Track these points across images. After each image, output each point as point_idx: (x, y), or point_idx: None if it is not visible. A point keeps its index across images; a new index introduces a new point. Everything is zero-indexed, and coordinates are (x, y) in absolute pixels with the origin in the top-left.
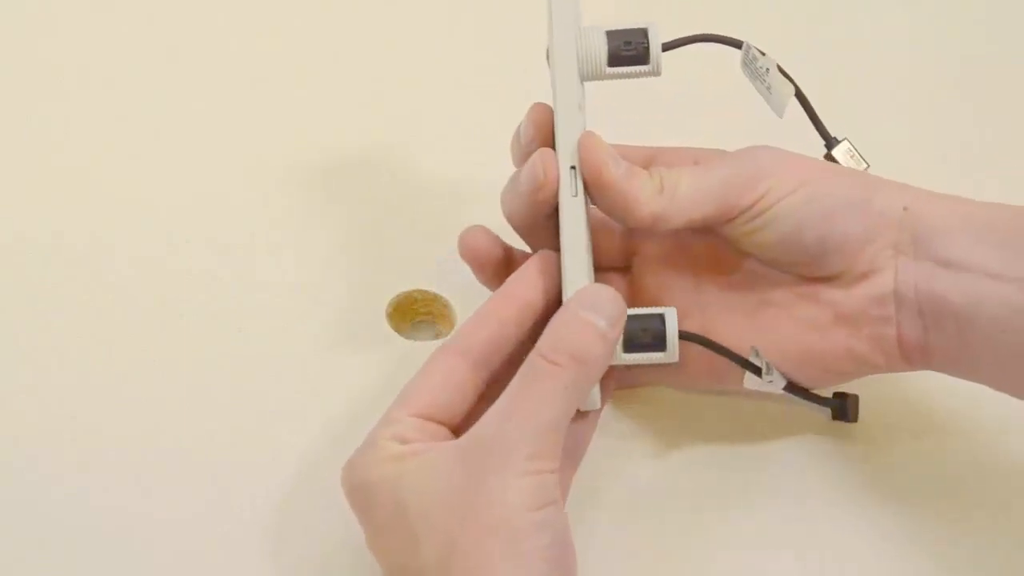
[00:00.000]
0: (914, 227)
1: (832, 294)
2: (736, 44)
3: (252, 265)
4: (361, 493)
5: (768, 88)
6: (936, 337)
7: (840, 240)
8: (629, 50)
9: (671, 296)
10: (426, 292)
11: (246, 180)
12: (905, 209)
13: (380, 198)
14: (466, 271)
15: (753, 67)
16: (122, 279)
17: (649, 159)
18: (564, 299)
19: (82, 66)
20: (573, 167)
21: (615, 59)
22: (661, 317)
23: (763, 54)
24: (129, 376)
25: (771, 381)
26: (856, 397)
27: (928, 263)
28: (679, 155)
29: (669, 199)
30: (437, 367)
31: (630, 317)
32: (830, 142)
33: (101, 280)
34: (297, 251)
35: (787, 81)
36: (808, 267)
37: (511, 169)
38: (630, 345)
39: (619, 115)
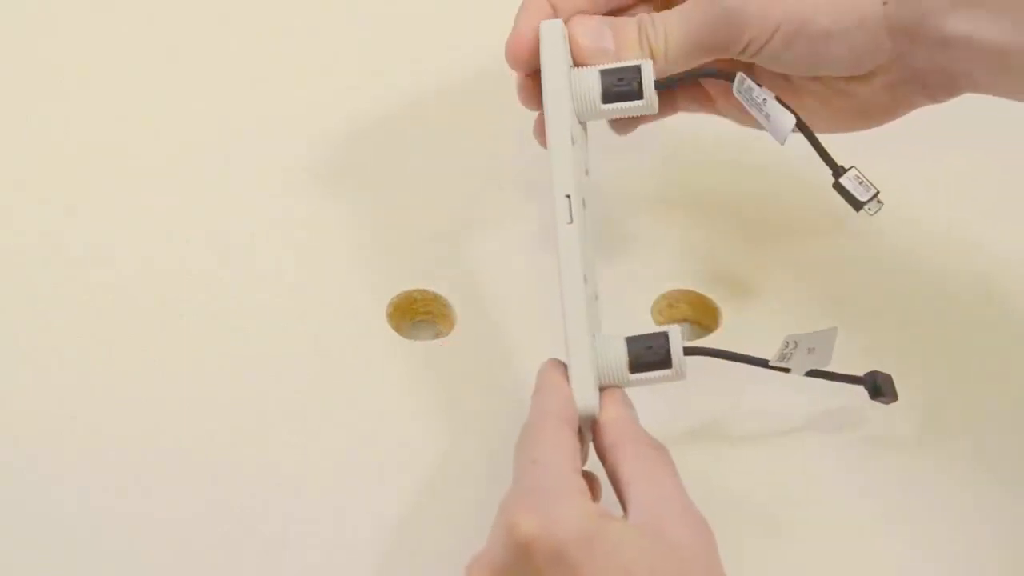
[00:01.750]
0: (901, 17)
1: (856, 88)
2: (729, 78)
3: (252, 265)
4: (578, 547)
5: (767, 117)
6: (961, 76)
7: (833, 64)
8: (622, 86)
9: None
10: (426, 292)
11: (246, 180)
12: (885, 3)
13: (380, 198)
14: (466, 271)
15: (749, 96)
16: (122, 279)
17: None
18: (564, 324)
19: (82, 66)
20: (568, 196)
21: (609, 96)
22: (665, 336)
23: (759, 86)
24: (129, 376)
25: (791, 369)
26: (889, 376)
27: (924, 46)
28: None
29: (662, 62)
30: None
31: (633, 339)
32: (837, 171)
33: (101, 280)
34: (297, 251)
35: (787, 112)
36: (820, 75)
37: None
38: (636, 366)
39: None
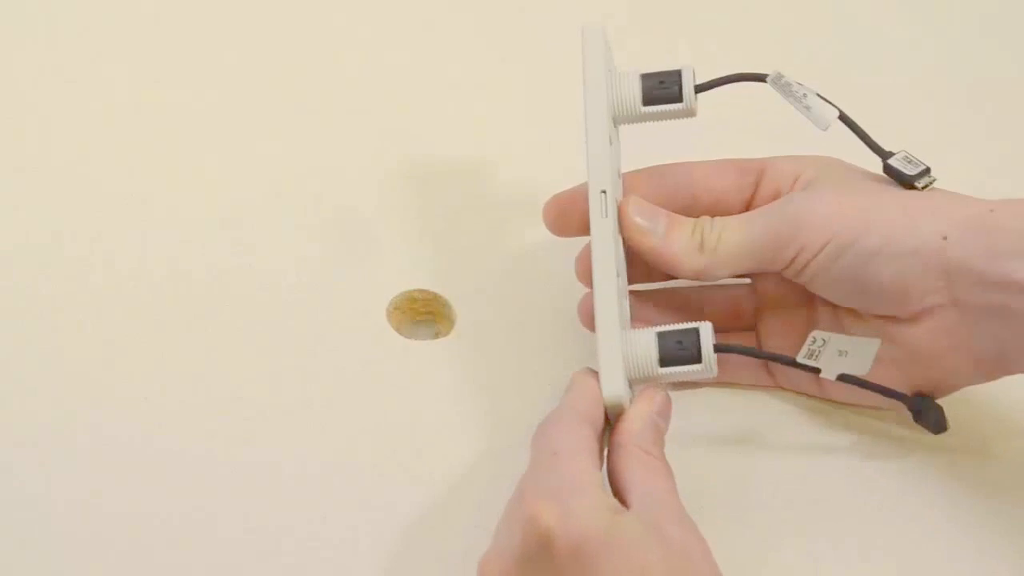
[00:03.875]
0: (960, 255)
1: (903, 332)
2: (761, 78)
3: (253, 265)
4: (597, 542)
5: (808, 108)
6: (1012, 346)
7: (879, 288)
8: (663, 89)
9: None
10: (426, 292)
11: (246, 180)
12: (945, 239)
13: (382, 197)
14: (466, 271)
15: (788, 90)
16: (122, 279)
17: (761, 171)
18: (595, 315)
19: (82, 66)
20: (604, 191)
21: (649, 98)
22: (696, 331)
23: (800, 84)
24: (129, 376)
25: (821, 369)
26: (939, 407)
27: (983, 286)
28: (787, 167)
29: (710, 257)
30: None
31: (665, 333)
32: (885, 155)
33: (101, 280)
34: (297, 251)
35: (828, 104)
36: (869, 309)
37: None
38: (666, 360)
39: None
